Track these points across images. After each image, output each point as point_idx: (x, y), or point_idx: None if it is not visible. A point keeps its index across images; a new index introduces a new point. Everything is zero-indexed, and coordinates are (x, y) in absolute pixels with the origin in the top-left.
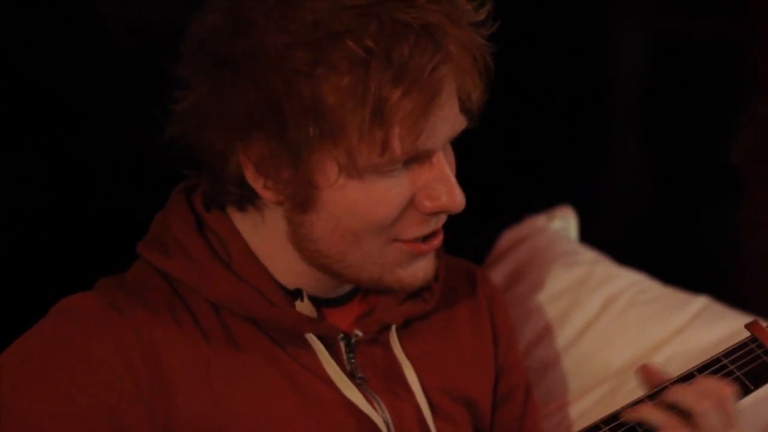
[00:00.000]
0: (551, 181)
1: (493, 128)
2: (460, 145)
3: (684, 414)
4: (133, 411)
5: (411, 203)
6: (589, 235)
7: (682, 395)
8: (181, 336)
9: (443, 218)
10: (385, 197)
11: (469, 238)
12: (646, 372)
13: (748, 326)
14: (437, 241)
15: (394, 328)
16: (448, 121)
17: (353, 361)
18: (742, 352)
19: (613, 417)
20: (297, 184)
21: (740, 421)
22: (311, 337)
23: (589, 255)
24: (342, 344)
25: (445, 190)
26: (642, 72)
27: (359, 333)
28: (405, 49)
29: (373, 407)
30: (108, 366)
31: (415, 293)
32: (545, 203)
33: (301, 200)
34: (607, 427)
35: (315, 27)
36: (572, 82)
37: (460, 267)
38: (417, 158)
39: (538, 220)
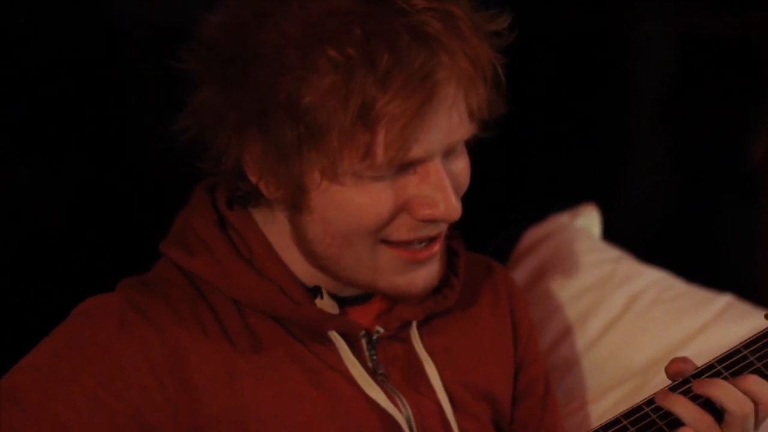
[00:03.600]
0: (575, 180)
1: (517, 127)
2: (483, 143)
3: (716, 410)
4: (158, 411)
5: (404, 208)
6: (612, 233)
7: (724, 392)
8: (203, 336)
9: (442, 226)
10: (372, 202)
11: (492, 236)
12: (677, 364)
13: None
14: (436, 247)
15: (414, 324)
16: (442, 129)
17: (375, 357)
18: (762, 343)
19: (638, 408)
20: (288, 185)
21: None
22: (334, 335)
23: (612, 253)
24: (364, 341)
25: (441, 198)
26: (664, 71)
27: (380, 329)
28: (391, 55)
29: (395, 404)
30: (132, 366)
31: (435, 289)
32: (569, 201)
33: (294, 201)
34: (628, 420)
35: (305, 30)
36: (596, 81)
37: (481, 262)
38: (407, 166)
39: (562, 218)
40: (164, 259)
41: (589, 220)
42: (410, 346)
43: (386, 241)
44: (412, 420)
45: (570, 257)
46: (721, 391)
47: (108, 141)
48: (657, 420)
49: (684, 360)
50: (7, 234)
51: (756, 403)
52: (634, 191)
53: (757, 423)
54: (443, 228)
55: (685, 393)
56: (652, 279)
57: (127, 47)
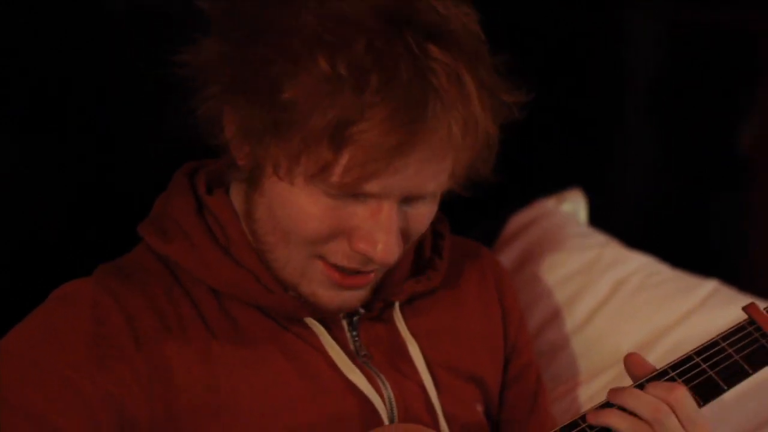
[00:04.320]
0: (561, 165)
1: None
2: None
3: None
4: (133, 398)
5: (344, 233)
6: (598, 219)
7: (636, 402)
8: (179, 324)
9: (374, 266)
10: (315, 215)
11: (478, 220)
12: (631, 362)
13: (745, 309)
14: (366, 279)
15: (397, 305)
16: (408, 177)
17: (357, 339)
18: (740, 335)
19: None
20: (251, 160)
21: (705, 416)
22: (311, 321)
23: (598, 238)
24: (345, 323)
25: (381, 239)
26: (653, 59)
27: (362, 311)
28: (383, 84)
29: (377, 386)
30: (106, 354)
31: (418, 271)
32: (555, 186)
33: (252, 178)
34: None
35: (314, 28)
36: (584, 68)
37: (467, 246)
38: (359, 195)
39: (548, 203)
40: (142, 243)
41: (575, 205)
42: (393, 327)
43: (322, 258)
44: (394, 402)
45: (556, 242)
46: (632, 400)
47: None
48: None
49: (640, 363)
50: None
51: (671, 407)
52: (622, 177)
53: (684, 422)
54: (376, 268)
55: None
56: (639, 264)
57: (124, 39)
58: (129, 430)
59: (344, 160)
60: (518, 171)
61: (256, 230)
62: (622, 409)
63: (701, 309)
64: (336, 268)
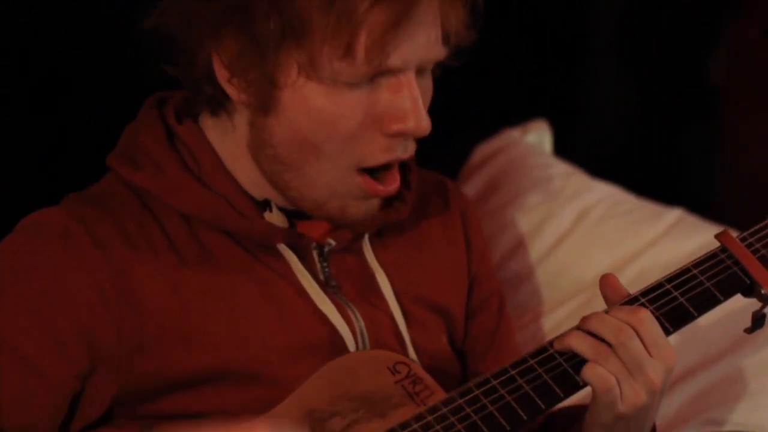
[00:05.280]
0: (526, 95)
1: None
2: None
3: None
4: (101, 325)
5: (374, 123)
6: (563, 150)
7: (600, 325)
8: (149, 250)
9: (411, 148)
10: (345, 108)
11: (443, 150)
12: (606, 283)
13: (717, 236)
14: (394, 185)
15: (367, 236)
16: (421, 43)
17: (327, 270)
18: (711, 262)
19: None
20: (261, 83)
21: (668, 342)
22: (283, 248)
23: (563, 168)
24: (315, 253)
25: (411, 111)
26: None
27: (332, 242)
28: None
29: (347, 316)
30: (76, 281)
31: (387, 202)
32: (520, 117)
33: (264, 101)
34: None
35: None
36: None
37: (432, 179)
38: (383, 74)
39: (513, 134)
40: (110, 173)
41: (540, 135)
42: (362, 258)
43: (361, 170)
44: (365, 331)
45: (521, 172)
46: (597, 323)
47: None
48: (563, 363)
49: (612, 285)
50: None
51: (635, 330)
52: (587, 108)
53: (648, 346)
54: (412, 150)
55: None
56: (603, 193)
57: None
58: (98, 358)
59: (362, 38)
60: (484, 101)
61: (277, 155)
62: (591, 334)
63: (666, 237)
64: (376, 178)
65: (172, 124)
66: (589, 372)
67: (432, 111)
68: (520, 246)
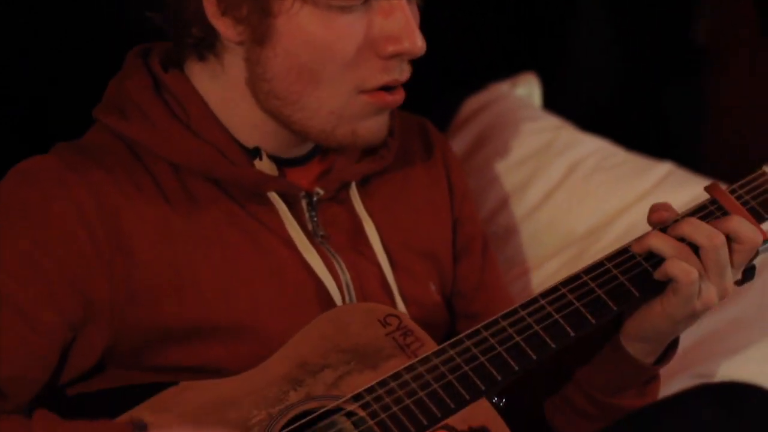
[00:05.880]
0: (515, 48)
1: None
2: (425, 9)
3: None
4: (92, 272)
5: (370, 46)
6: (552, 103)
7: (692, 228)
8: (139, 197)
9: (406, 70)
10: (341, 32)
11: (432, 104)
12: (660, 213)
13: (707, 189)
14: (400, 95)
15: (354, 185)
16: None
17: (315, 219)
18: (702, 213)
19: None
20: (254, 13)
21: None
22: (273, 196)
23: (552, 121)
24: (304, 203)
25: (405, 33)
26: None
27: (320, 191)
28: None
29: (333, 268)
30: (66, 227)
31: (371, 150)
32: (509, 70)
33: (259, 32)
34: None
35: None
36: None
37: (413, 122)
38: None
39: (502, 87)
40: (97, 125)
41: (529, 88)
42: (350, 207)
43: (363, 91)
44: (351, 284)
45: (510, 125)
46: (689, 227)
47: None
48: (642, 262)
49: (666, 208)
50: None
51: (733, 241)
52: (576, 61)
53: (735, 261)
54: (408, 73)
55: None
56: (593, 147)
57: None
58: (90, 308)
59: None
60: (473, 55)
61: (273, 89)
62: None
63: (656, 191)
64: (380, 90)
65: (158, 73)
66: (672, 265)
67: (421, 65)
68: (509, 200)
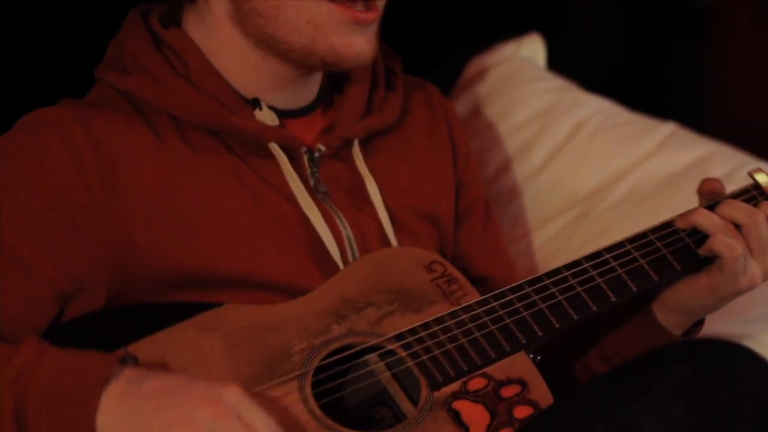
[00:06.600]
0: (520, 9)
1: None
2: None
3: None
4: (89, 221)
5: None
6: (557, 64)
7: (732, 209)
8: (140, 148)
9: None
10: None
11: (436, 65)
12: (706, 186)
13: (750, 173)
14: (374, 14)
15: (356, 143)
16: None
17: (317, 175)
18: (744, 197)
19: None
20: None
21: None
22: (275, 148)
23: (556, 82)
24: (305, 158)
25: None
26: None
27: (322, 147)
28: None
29: (334, 224)
30: (64, 178)
31: (374, 108)
32: (514, 31)
33: None
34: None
35: None
36: None
37: (417, 84)
38: None
39: (507, 48)
40: (98, 85)
41: (533, 50)
42: (352, 166)
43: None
44: (353, 239)
45: (514, 86)
46: (729, 207)
47: None
48: (685, 237)
49: (718, 181)
50: None
51: None
52: (581, 22)
53: None
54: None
55: None
56: (597, 107)
57: None
58: (88, 258)
59: None
60: (477, 16)
61: (254, 8)
62: None
63: (659, 151)
64: (345, 3)
65: (157, 30)
66: (718, 241)
67: (426, 26)
68: (513, 160)
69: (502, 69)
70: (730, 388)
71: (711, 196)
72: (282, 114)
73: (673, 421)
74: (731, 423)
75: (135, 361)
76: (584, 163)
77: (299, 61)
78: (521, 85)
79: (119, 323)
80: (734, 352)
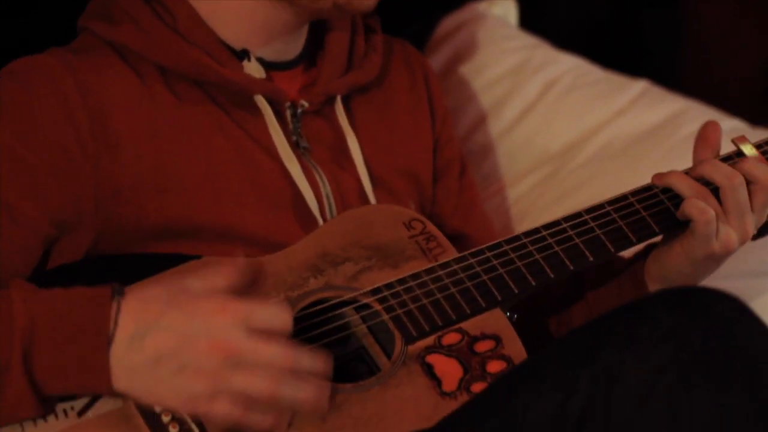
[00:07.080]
0: None
1: None
2: None
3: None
4: (77, 168)
5: None
6: (528, 23)
7: (712, 170)
8: (128, 98)
9: None
10: None
11: (409, 23)
12: (705, 134)
13: (734, 140)
14: None
15: (339, 100)
16: None
17: (299, 131)
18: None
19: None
20: None
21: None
22: (260, 100)
23: (528, 40)
24: (288, 113)
25: None
26: None
27: (305, 103)
28: None
29: (313, 179)
30: (52, 124)
31: (355, 64)
32: None
33: None
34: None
35: None
36: None
37: (396, 43)
38: None
39: (479, 6)
40: (83, 33)
41: (506, 8)
42: (334, 122)
43: None
44: (331, 196)
45: (486, 44)
46: (710, 167)
47: None
48: (665, 200)
49: (718, 132)
50: None
51: (750, 183)
52: None
53: (754, 203)
54: None
55: None
56: (569, 65)
57: None
58: (74, 205)
59: None
60: None
61: None
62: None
63: (631, 108)
64: None
65: None
66: (689, 204)
67: None
68: (485, 118)
69: (474, 27)
70: (720, 340)
71: (704, 144)
72: (268, 66)
73: (659, 366)
74: (724, 379)
75: (122, 295)
76: (556, 121)
77: (307, 4)
78: (493, 42)
79: (98, 274)
80: (722, 303)
